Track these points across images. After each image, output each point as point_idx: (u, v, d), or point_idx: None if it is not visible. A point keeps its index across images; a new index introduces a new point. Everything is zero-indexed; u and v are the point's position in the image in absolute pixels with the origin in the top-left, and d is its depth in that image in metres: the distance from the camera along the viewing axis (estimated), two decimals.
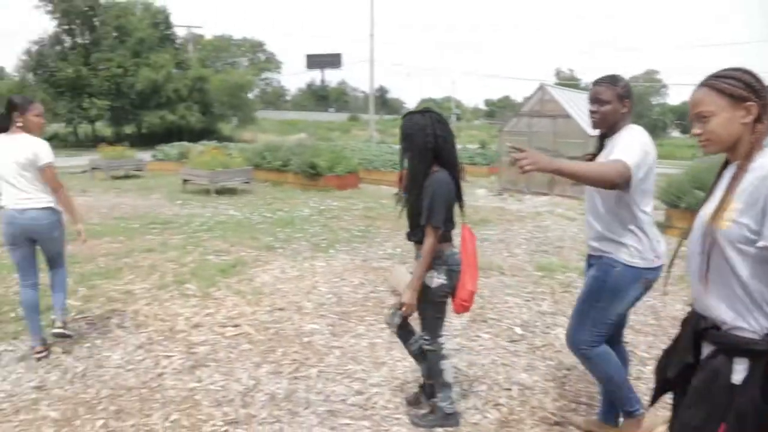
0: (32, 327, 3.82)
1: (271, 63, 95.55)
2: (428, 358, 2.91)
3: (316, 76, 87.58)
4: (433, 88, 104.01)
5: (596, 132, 2.69)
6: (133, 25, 32.95)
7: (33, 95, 30.60)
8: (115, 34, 31.73)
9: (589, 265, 2.75)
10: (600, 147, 2.64)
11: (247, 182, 12.93)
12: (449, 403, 2.96)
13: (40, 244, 3.80)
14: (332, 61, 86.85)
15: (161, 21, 34.37)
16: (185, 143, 18.58)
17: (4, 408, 3.16)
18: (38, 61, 30.34)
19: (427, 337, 2.87)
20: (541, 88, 12.78)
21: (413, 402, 3.18)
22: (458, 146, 3.40)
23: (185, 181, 12.99)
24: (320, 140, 44.21)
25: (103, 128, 37.13)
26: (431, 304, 2.80)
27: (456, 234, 2.87)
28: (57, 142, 35.14)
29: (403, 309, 2.75)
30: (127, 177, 15.63)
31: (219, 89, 36.16)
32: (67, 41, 30.61)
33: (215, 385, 3.46)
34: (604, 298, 2.58)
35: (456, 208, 2.83)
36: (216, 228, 8.19)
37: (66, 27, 30.14)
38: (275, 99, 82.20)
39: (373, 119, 39.86)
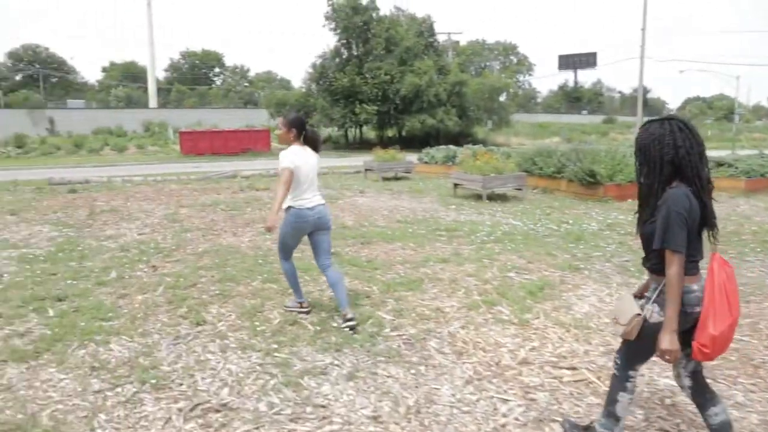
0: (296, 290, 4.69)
1: (524, 65, 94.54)
2: (611, 383, 2.67)
3: (569, 77, 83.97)
4: (702, 86, 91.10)
5: None
6: (400, 36, 35.10)
7: (314, 103, 34.87)
8: (384, 44, 34.12)
9: None
10: None
11: (519, 189, 12.28)
12: None
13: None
14: (586, 60, 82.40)
15: (425, 29, 35.89)
16: (451, 147, 18.72)
17: None
18: (321, 73, 34.18)
19: (618, 361, 2.63)
20: None
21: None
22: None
23: (456, 185, 12.87)
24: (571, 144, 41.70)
25: (368, 131, 40.42)
26: (641, 337, 2.45)
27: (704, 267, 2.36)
28: (330, 144, 39.43)
29: (665, 357, 2.33)
30: (396, 179, 16.23)
31: (475, 93, 36.50)
32: (344, 54, 33.75)
33: None
34: None
35: (703, 234, 2.43)
36: (504, 239, 7.63)
37: (344, 41, 33.25)
38: (526, 102, 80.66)
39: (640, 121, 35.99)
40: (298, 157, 4.28)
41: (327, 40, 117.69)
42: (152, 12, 54.38)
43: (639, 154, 2.45)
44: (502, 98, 40.71)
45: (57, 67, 65.86)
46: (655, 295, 2.42)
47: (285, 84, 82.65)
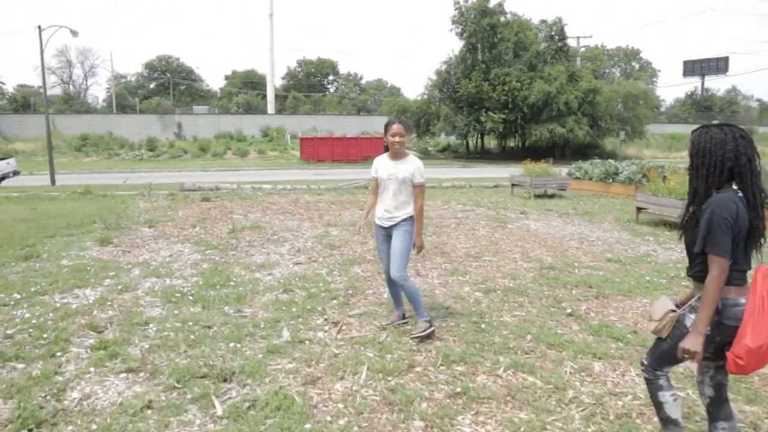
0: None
1: (646, 72, 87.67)
2: (648, 390, 2.59)
3: (696, 84, 76.95)
4: None
5: None
6: (530, 40, 32.83)
7: (436, 111, 33.41)
8: (513, 49, 32.00)
9: None
10: None
11: None
12: None
13: None
14: (716, 65, 74.95)
15: (556, 33, 33.30)
16: (611, 161, 16.29)
17: None
18: (444, 79, 32.63)
19: (645, 363, 2.56)
20: None
21: None
22: None
23: (640, 209, 10.64)
24: None
25: (488, 141, 38.30)
26: (675, 341, 2.37)
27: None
28: (449, 153, 37.83)
29: (683, 355, 2.29)
30: (549, 196, 14.15)
31: (608, 101, 33.40)
32: (469, 59, 31.94)
33: None
34: None
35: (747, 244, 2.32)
36: None
37: (470, 46, 31.45)
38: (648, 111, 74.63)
39: None
40: None
41: (444, 47, 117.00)
42: (273, 23, 55.73)
43: (697, 157, 2.35)
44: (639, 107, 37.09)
45: (185, 76, 69.52)
46: (698, 304, 2.31)
47: (395, 91, 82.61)
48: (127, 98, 64.16)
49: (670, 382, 2.54)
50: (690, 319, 2.34)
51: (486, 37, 31.13)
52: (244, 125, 45.65)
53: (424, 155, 35.96)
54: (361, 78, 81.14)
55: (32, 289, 5.23)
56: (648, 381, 2.56)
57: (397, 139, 4.06)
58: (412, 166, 4.11)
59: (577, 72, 33.25)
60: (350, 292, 5.34)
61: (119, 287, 5.36)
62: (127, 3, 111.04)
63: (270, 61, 55.95)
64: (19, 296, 5.03)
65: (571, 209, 11.85)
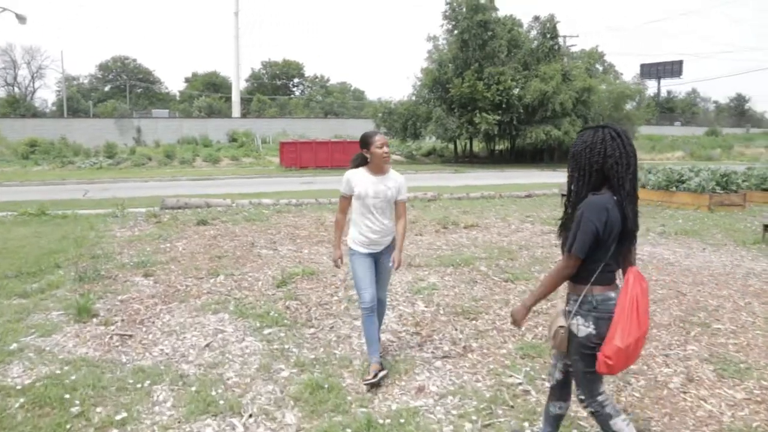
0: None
1: (609, 74, 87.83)
2: (598, 422, 2.52)
3: (652, 87, 77.42)
4: None
5: None
6: (522, 37, 30.97)
7: (426, 113, 31.10)
8: (506, 47, 30.05)
9: None
10: None
11: None
12: None
13: None
14: (671, 69, 75.89)
15: (548, 31, 31.48)
16: (674, 168, 14.18)
17: None
18: (435, 78, 30.35)
19: (582, 397, 2.49)
20: None
21: None
22: None
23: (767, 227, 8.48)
24: (697, 160, 35.97)
25: (475, 144, 36.19)
26: (580, 357, 2.40)
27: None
28: (435, 157, 35.56)
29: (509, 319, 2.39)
30: None
31: (600, 101, 31.88)
32: (461, 57, 29.80)
33: None
34: None
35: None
36: None
37: (463, 42, 29.32)
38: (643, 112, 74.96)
39: None
40: None
41: (411, 49, 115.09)
42: (239, 21, 52.37)
43: (571, 161, 2.40)
44: (628, 107, 35.82)
45: (143, 78, 65.18)
46: (576, 307, 2.38)
47: (359, 94, 79.98)
48: (80, 102, 59.21)
49: (616, 407, 2.50)
50: (575, 326, 2.38)
51: (478, 33, 29.05)
52: (209, 130, 42.46)
53: (409, 160, 33.61)
54: (328, 80, 78.34)
55: None
56: (596, 414, 2.49)
57: (385, 149, 3.66)
58: (397, 182, 3.76)
59: (571, 71, 31.51)
60: None
61: None
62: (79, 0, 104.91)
63: (235, 62, 52.62)
64: None
65: (659, 227, 9.63)
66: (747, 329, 4.55)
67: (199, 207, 11.77)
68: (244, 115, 53.88)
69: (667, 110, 79.67)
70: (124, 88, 61.83)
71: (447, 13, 29.33)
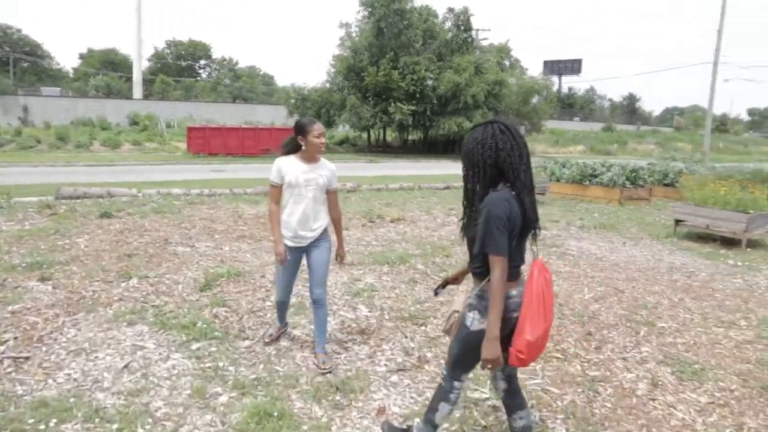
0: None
1: (515, 69, 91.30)
2: (436, 391, 2.60)
3: (563, 83, 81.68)
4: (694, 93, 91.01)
5: None
6: (438, 27, 31.18)
7: (341, 100, 30.56)
8: (422, 36, 30.13)
9: None
10: None
11: None
12: None
13: None
14: (572, 66, 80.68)
15: (462, 23, 31.91)
16: (587, 162, 14.65)
17: None
18: (349, 65, 29.87)
19: (444, 371, 2.55)
20: None
21: None
22: None
23: (678, 221, 8.88)
24: (596, 154, 38.14)
25: (389, 133, 36.16)
26: (461, 344, 2.41)
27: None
28: (347, 146, 35.11)
29: (488, 366, 2.25)
30: None
31: (510, 95, 32.93)
32: (375, 45, 29.52)
33: None
34: None
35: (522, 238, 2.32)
36: None
37: (378, 30, 29.05)
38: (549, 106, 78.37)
39: (708, 133, 32.73)
40: None
41: (328, 36, 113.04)
42: None
43: (465, 159, 2.36)
44: (534, 101, 37.24)
45: (30, 51, 59.36)
46: (475, 301, 2.36)
47: (268, 79, 77.71)
48: None
49: (458, 397, 2.54)
50: (470, 318, 2.36)
51: (395, 22, 28.89)
52: (107, 111, 39.46)
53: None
54: (236, 63, 75.42)
55: None
56: (441, 389, 2.54)
57: (322, 140, 3.53)
58: (328, 170, 3.64)
59: (483, 64, 32.16)
60: None
61: None
62: None
63: (137, 39, 49.16)
64: None
65: (578, 220, 9.85)
66: (689, 327, 4.58)
67: (101, 197, 10.67)
68: (146, 97, 50.65)
69: (568, 105, 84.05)
70: (7, 61, 56.03)
71: (364, 0, 28.88)
